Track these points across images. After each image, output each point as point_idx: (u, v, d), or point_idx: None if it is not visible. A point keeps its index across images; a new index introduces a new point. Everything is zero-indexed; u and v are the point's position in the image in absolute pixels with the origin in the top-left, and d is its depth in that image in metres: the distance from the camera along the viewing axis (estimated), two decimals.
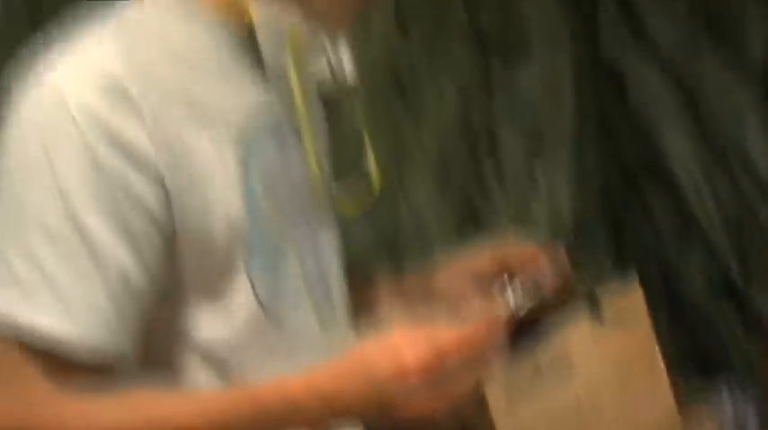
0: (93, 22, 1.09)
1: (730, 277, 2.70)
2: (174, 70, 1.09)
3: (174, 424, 1.02)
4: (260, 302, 1.12)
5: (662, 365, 2.24)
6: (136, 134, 1.01)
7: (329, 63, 1.19)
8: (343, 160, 1.36)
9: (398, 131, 2.64)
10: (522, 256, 1.37)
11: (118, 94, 1.00)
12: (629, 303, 2.25)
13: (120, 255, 0.99)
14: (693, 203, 2.73)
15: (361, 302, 1.36)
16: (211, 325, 1.10)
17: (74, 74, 1.02)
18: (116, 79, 1.01)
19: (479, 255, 1.40)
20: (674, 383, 2.36)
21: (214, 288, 1.10)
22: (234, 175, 1.10)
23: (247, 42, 1.13)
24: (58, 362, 0.96)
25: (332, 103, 1.32)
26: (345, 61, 1.21)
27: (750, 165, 2.56)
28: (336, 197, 1.25)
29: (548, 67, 2.87)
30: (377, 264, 2.52)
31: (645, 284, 2.63)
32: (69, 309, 0.96)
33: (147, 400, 1.01)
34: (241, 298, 1.11)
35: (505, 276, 1.32)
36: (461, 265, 1.40)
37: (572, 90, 2.91)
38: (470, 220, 2.79)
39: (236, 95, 1.14)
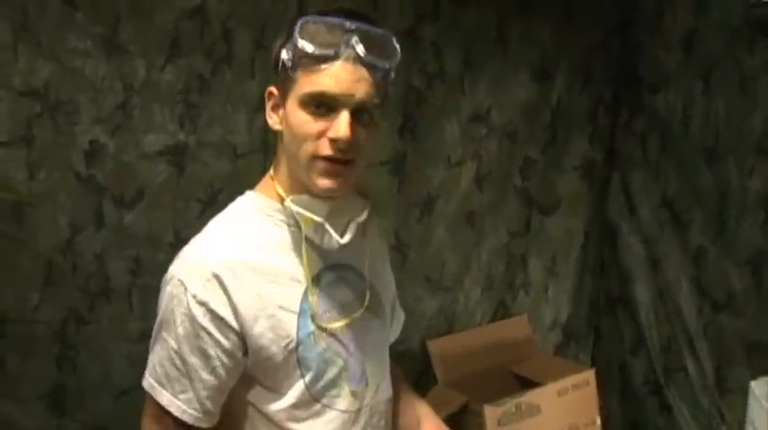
0: (208, 233, 1.46)
1: (657, 375, 3.43)
2: (253, 255, 1.42)
3: None
4: (307, 389, 1.45)
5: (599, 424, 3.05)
6: (223, 307, 1.37)
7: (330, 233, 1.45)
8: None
9: (466, 249, 3.38)
10: None
11: (215, 284, 1.36)
12: (586, 380, 3.07)
13: (202, 373, 1.39)
14: (644, 327, 3.48)
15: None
16: (271, 401, 1.45)
17: (192, 272, 1.38)
18: (215, 274, 1.36)
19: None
20: None
21: (276, 382, 1.44)
22: (293, 312, 1.43)
23: (294, 223, 1.46)
24: (175, 421, 1.41)
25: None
26: (350, 229, 1.48)
27: (679, 311, 3.30)
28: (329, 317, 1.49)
29: (568, 220, 3.63)
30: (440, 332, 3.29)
31: (606, 372, 3.40)
32: (177, 397, 1.41)
33: None
34: (294, 387, 1.44)
35: None
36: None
37: (582, 238, 3.68)
38: (501, 314, 3.52)
39: (292, 259, 1.45)
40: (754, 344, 2.97)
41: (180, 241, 1.49)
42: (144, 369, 2.58)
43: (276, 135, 1.50)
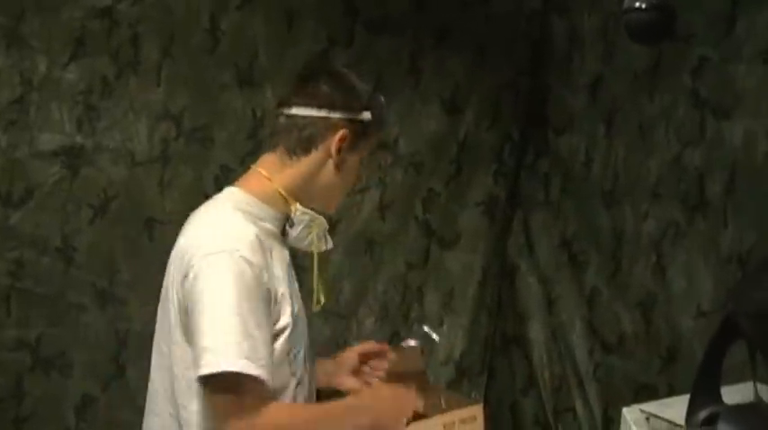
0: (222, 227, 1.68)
1: (547, 416, 3.44)
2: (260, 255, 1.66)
3: (318, 414, 1.73)
4: (289, 365, 1.71)
5: None
6: (262, 275, 1.61)
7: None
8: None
9: (363, 277, 3.40)
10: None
11: (252, 264, 1.60)
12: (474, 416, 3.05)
13: (256, 332, 1.58)
14: (536, 367, 3.51)
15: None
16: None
17: (236, 252, 1.60)
18: (248, 258, 1.60)
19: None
20: None
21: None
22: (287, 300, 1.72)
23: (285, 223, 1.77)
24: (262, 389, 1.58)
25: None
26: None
27: (571, 352, 3.34)
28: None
29: (468, 256, 3.64)
30: None
31: (498, 411, 3.38)
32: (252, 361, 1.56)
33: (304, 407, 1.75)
34: (283, 367, 1.69)
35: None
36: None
37: (480, 275, 3.68)
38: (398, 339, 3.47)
39: (280, 258, 1.75)
40: (641, 387, 3.00)
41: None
42: (16, 377, 2.58)
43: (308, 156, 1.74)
